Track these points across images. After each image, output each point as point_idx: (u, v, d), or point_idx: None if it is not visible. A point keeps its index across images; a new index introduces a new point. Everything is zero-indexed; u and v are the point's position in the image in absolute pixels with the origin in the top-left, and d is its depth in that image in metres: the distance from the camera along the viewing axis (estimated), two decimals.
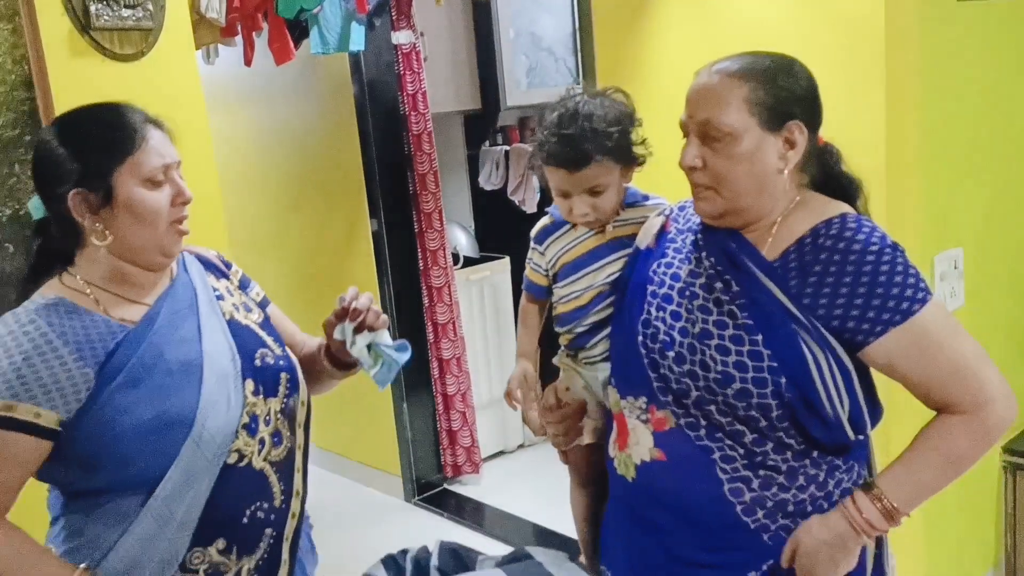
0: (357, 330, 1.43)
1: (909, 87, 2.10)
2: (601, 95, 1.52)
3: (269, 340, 1.47)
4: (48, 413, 1.24)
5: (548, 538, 3.26)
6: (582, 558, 1.70)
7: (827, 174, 1.36)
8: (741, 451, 1.29)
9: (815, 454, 1.29)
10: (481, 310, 3.96)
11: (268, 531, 1.38)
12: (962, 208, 2.39)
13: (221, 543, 1.34)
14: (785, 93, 1.26)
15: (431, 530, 3.47)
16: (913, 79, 2.11)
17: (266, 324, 1.51)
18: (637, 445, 1.37)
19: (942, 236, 2.34)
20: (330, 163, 3.60)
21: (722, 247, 1.33)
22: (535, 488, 3.64)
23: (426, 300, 3.63)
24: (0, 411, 1.22)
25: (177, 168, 1.36)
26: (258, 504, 1.37)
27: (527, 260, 1.63)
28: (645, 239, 1.48)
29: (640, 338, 1.36)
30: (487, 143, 4.10)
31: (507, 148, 3.99)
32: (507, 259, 3.99)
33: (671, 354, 1.31)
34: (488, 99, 3.92)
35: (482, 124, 4.13)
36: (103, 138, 1.30)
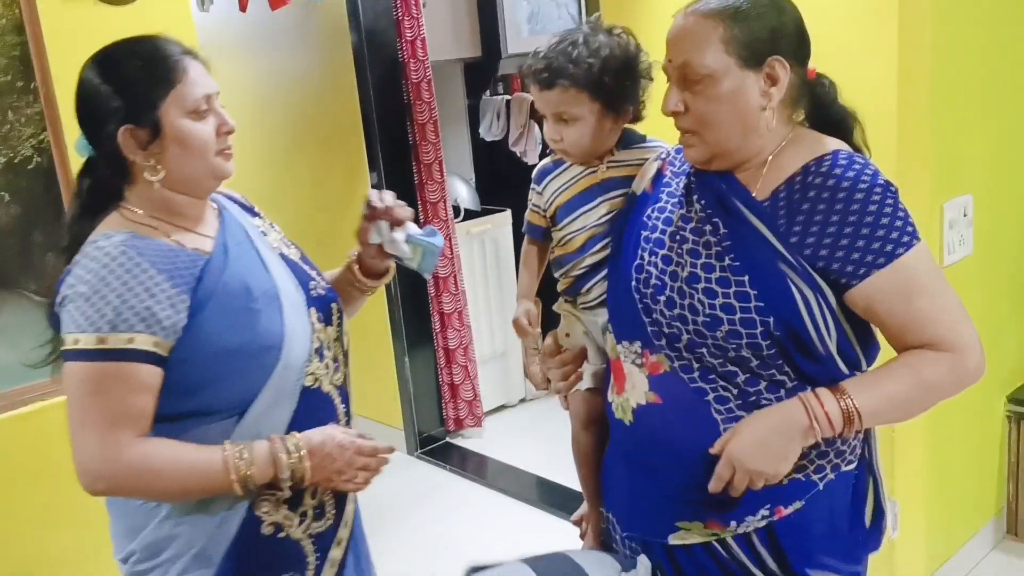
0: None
1: (921, 30, 2.05)
2: (606, 32, 1.48)
3: (314, 272, 1.52)
4: (162, 341, 1.27)
5: (550, 490, 3.27)
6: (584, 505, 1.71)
7: (821, 108, 1.33)
8: (735, 392, 1.28)
9: (808, 389, 1.28)
10: (483, 264, 3.93)
11: None
12: (972, 155, 2.36)
13: None
14: (762, 29, 1.23)
15: (434, 483, 3.49)
16: (926, 21, 2.06)
17: (305, 259, 1.55)
18: (633, 389, 1.37)
19: (952, 182, 2.30)
20: (327, 113, 3.54)
21: (712, 189, 1.32)
22: (537, 441, 3.64)
23: None
24: (124, 344, 1.24)
25: (217, 98, 1.36)
26: (330, 423, 1.43)
27: (529, 204, 1.62)
28: (641, 184, 1.47)
29: (633, 283, 1.36)
30: (488, 92, 4.03)
31: (508, 97, 3.92)
32: (508, 212, 3.94)
33: (662, 298, 1.31)
34: (488, 47, 3.85)
35: (483, 73, 4.05)
36: (145, 72, 1.30)
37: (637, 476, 1.41)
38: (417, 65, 3.41)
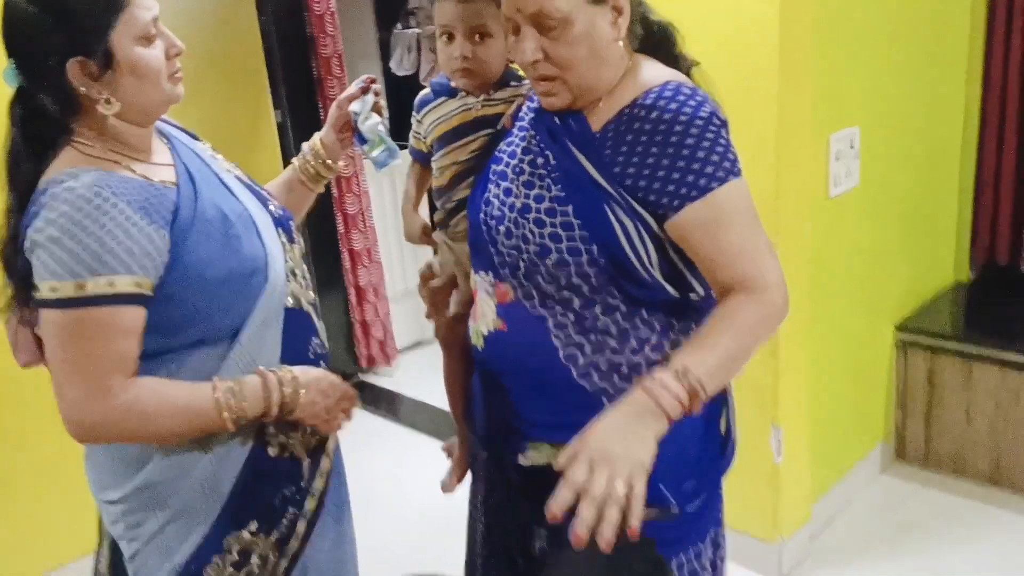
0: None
1: None
2: None
3: (265, 192, 1.50)
4: (144, 280, 1.23)
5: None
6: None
7: (643, 25, 1.34)
8: (572, 317, 1.31)
9: (644, 313, 1.31)
10: (393, 201, 3.89)
11: (322, 365, 1.46)
12: (858, 87, 2.38)
13: None
14: None
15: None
16: None
17: (252, 181, 1.51)
18: (484, 317, 1.41)
19: (838, 115, 2.33)
20: (227, 49, 3.41)
21: (545, 122, 1.33)
22: None
23: (335, 191, 3.54)
24: (104, 288, 1.20)
25: (158, 19, 1.30)
26: (315, 340, 1.45)
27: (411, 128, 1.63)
28: (503, 120, 1.48)
29: (482, 215, 1.38)
30: (399, 26, 3.93)
31: (419, 31, 3.84)
32: None
33: (503, 228, 1.33)
34: None
35: (393, 5, 3.95)
36: None
37: (491, 399, 1.45)
38: None
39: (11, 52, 1.25)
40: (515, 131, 1.42)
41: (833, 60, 2.25)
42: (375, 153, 1.55)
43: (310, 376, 1.37)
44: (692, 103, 1.23)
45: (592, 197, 1.25)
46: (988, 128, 2.84)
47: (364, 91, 1.54)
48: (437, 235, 1.63)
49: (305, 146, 1.62)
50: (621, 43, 1.28)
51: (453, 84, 1.52)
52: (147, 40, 1.26)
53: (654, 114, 1.23)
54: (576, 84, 1.27)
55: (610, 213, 1.25)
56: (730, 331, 1.24)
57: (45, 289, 1.20)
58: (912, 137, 2.66)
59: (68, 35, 1.21)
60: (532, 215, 1.29)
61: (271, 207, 1.46)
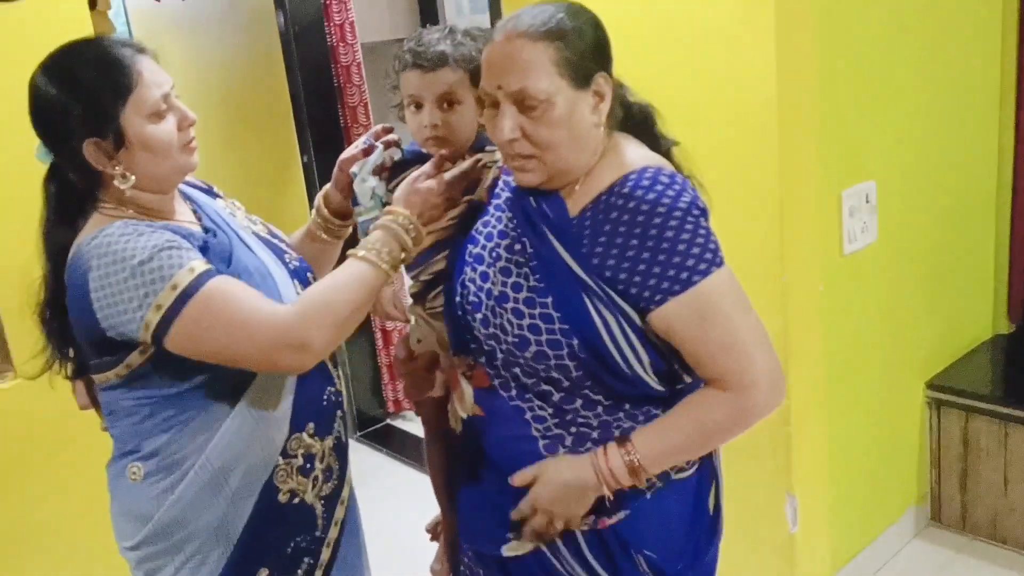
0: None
1: (804, 15, 1.98)
2: (465, 30, 1.48)
3: (284, 245, 1.54)
4: (208, 261, 1.29)
5: None
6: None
7: (624, 109, 1.32)
8: (551, 410, 1.29)
9: (627, 407, 1.28)
10: None
11: (338, 413, 1.50)
12: (873, 140, 2.29)
13: (311, 427, 1.43)
14: (586, 46, 1.22)
15: (372, 466, 3.50)
16: (806, 11, 1.98)
17: (273, 233, 1.56)
18: (462, 400, 1.38)
19: (850, 169, 2.24)
20: (257, 98, 3.51)
21: (522, 207, 1.30)
22: None
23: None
24: (189, 276, 1.24)
25: (173, 91, 1.36)
26: (330, 388, 1.48)
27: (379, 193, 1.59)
28: (479, 192, 1.45)
29: (458, 299, 1.36)
30: None
31: None
32: None
33: (479, 316, 1.31)
34: (427, 26, 3.79)
35: None
36: (100, 81, 1.29)
37: (469, 487, 1.43)
38: (347, 49, 3.37)
39: (38, 131, 1.34)
40: (491, 209, 1.39)
41: (843, 113, 2.17)
42: (362, 218, 1.52)
43: (405, 197, 1.39)
44: (671, 192, 1.20)
45: (572, 289, 1.22)
46: (1022, 176, 2.70)
47: (367, 152, 1.51)
48: (413, 309, 1.59)
49: (317, 199, 1.63)
50: (602, 128, 1.26)
51: (425, 151, 1.50)
52: (157, 116, 1.32)
53: (632, 203, 1.21)
54: (552, 164, 1.24)
55: (591, 306, 1.22)
56: (692, 424, 1.24)
57: (153, 313, 1.24)
58: (936, 188, 2.54)
59: (83, 117, 1.28)
60: (510, 304, 1.26)
61: (287, 259, 1.49)
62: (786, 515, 2.27)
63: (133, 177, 1.32)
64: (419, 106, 1.45)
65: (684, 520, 1.34)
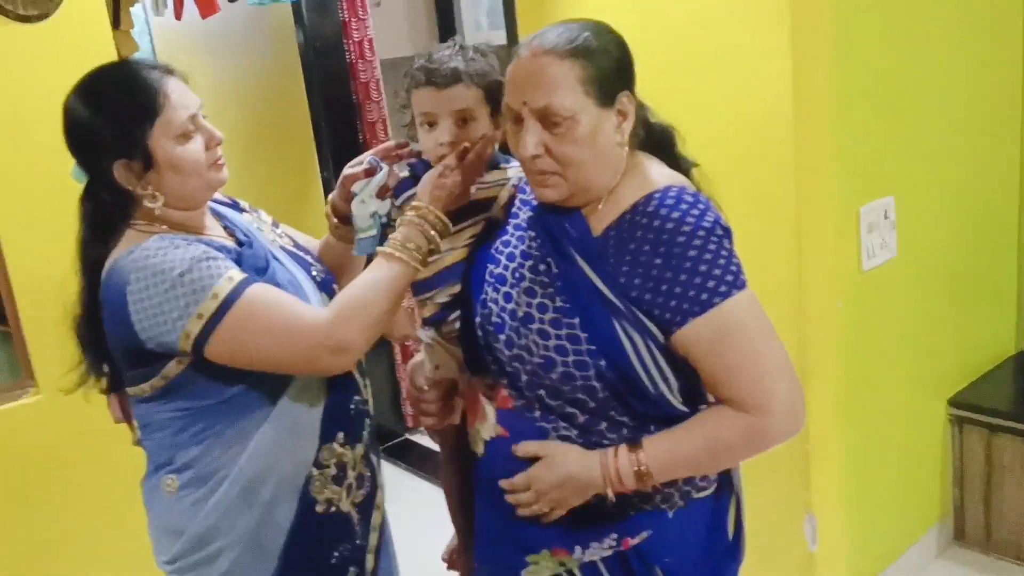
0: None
1: (818, 32, 1.97)
2: (475, 46, 1.47)
3: (310, 257, 1.56)
4: (243, 271, 1.32)
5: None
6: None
7: (645, 129, 1.32)
8: (576, 431, 1.28)
9: (651, 428, 1.27)
10: None
11: (366, 421, 1.52)
12: (891, 155, 2.27)
13: (341, 436, 1.45)
14: (611, 65, 1.23)
15: (390, 481, 3.48)
16: (823, 23, 1.98)
17: (299, 246, 1.58)
18: (485, 422, 1.37)
19: (868, 185, 2.23)
20: (277, 114, 3.55)
21: (545, 226, 1.30)
22: None
23: None
24: (228, 285, 1.27)
25: (200, 111, 1.38)
26: (356, 398, 1.49)
27: (382, 214, 1.53)
28: (495, 210, 1.45)
29: (478, 319, 1.35)
30: None
31: None
32: None
33: (503, 337, 1.30)
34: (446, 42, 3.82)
35: None
36: (129, 104, 1.32)
37: (489, 510, 1.41)
38: (365, 65, 3.41)
39: (72, 152, 1.37)
40: (510, 228, 1.39)
41: (860, 128, 2.16)
42: (360, 237, 1.50)
43: (423, 191, 1.39)
44: (695, 211, 1.20)
45: (599, 309, 1.22)
46: None
47: (369, 173, 1.49)
48: (425, 333, 1.55)
49: (326, 208, 1.62)
50: (624, 147, 1.26)
51: None
52: (185, 137, 1.35)
53: (656, 222, 1.20)
54: (575, 181, 1.24)
55: (618, 326, 1.21)
56: (703, 439, 1.23)
57: (195, 323, 1.27)
58: (957, 203, 2.52)
59: (111, 140, 1.32)
60: (535, 325, 1.26)
61: (314, 272, 1.50)
62: (805, 534, 2.25)
63: (162, 198, 1.36)
64: (432, 124, 1.44)
65: (703, 539, 1.33)
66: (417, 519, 3.21)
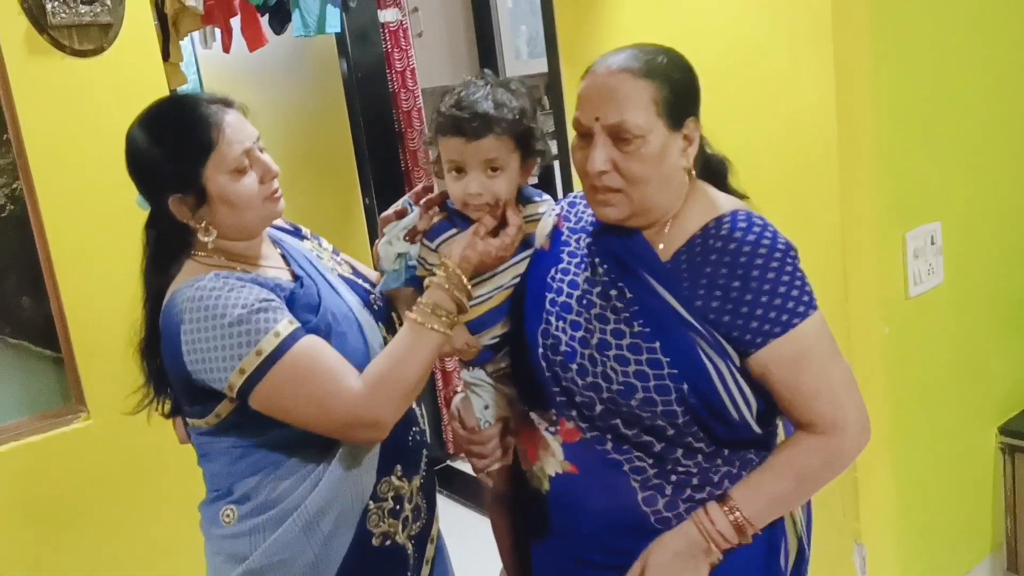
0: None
1: (860, 56, 1.97)
2: (505, 83, 1.44)
3: (368, 286, 1.56)
4: (294, 319, 1.32)
5: None
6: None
7: (702, 157, 1.33)
8: (650, 461, 1.27)
9: (725, 453, 1.28)
10: None
11: (424, 452, 1.52)
12: (937, 180, 2.25)
13: (399, 468, 1.45)
14: (683, 90, 1.24)
15: None
16: (865, 47, 1.97)
17: (357, 273, 1.59)
18: (550, 457, 1.35)
19: (914, 211, 2.20)
20: (321, 143, 3.61)
21: (613, 252, 1.30)
22: None
23: None
24: (274, 341, 1.27)
25: (258, 144, 1.38)
26: (414, 428, 1.50)
27: (410, 256, 1.50)
28: (539, 239, 1.44)
29: (540, 350, 1.33)
30: None
31: None
32: None
33: (574, 366, 1.29)
34: (487, 71, 3.86)
35: None
36: (185, 139, 1.34)
37: (557, 547, 1.39)
38: (407, 95, 3.46)
39: (135, 184, 1.40)
40: (564, 256, 1.38)
41: (905, 153, 2.14)
42: (386, 274, 1.52)
43: (454, 254, 1.38)
44: (768, 234, 1.22)
45: (680, 333, 1.22)
46: None
47: (400, 215, 1.50)
48: (471, 374, 1.50)
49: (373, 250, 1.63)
50: (689, 172, 1.28)
51: (466, 213, 1.44)
52: (239, 172, 1.35)
53: (732, 245, 1.21)
54: (639, 201, 1.25)
55: (700, 350, 1.21)
56: (788, 472, 1.24)
57: (236, 378, 1.27)
58: (1005, 227, 2.48)
59: (166, 174, 1.34)
60: (612, 352, 1.25)
61: (372, 300, 1.51)
62: (855, 564, 2.21)
63: (215, 232, 1.37)
64: (460, 171, 1.40)
65: (761, 570, 1.31)
66: (459, 548, 3.18)
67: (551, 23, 2.49)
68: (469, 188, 1.39)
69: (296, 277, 1.44)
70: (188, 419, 1.43)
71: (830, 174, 1.98)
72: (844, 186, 1.97)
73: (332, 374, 1.30)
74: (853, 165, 1.99)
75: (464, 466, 3.77)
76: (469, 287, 1.38)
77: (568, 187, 2.56)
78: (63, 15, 2.23)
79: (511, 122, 1.37)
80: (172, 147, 1.34)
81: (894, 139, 2.09)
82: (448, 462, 3.81)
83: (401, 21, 3.40)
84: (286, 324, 1.29)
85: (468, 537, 3.28)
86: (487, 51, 3.80)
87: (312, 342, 1.31)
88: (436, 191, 1.52)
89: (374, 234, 3.49)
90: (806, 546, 1.40)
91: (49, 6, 2.20)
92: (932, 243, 2.25)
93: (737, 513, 1.22)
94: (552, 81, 2.63)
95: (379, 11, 3.37)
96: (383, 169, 3.52)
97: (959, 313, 2.37)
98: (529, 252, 1.45)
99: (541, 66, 3.66)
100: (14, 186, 2.26)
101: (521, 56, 3.82)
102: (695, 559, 1.24)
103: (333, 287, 1.46)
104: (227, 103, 1.37)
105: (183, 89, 2.89)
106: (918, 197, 2.21)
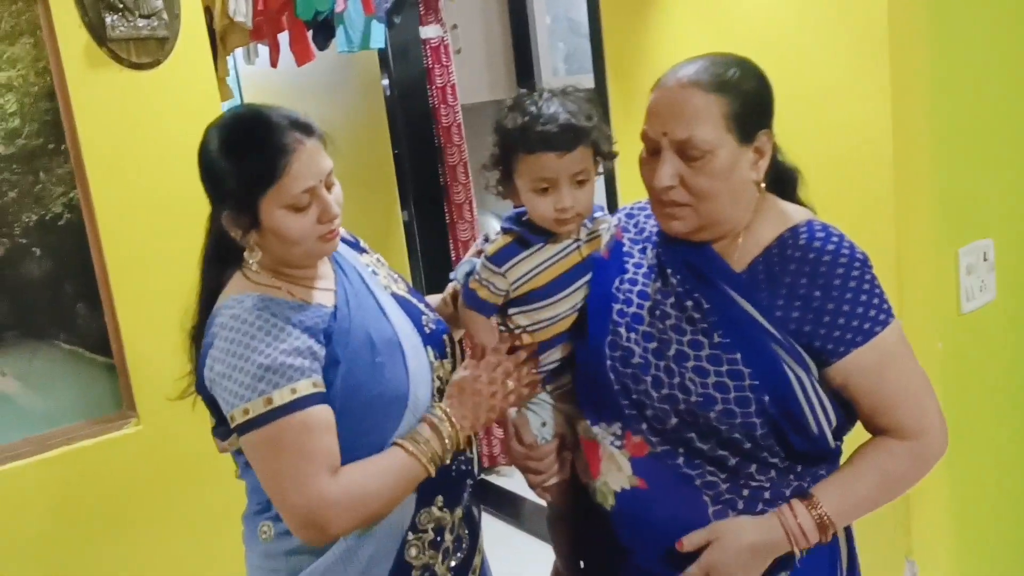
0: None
1: (917, 69, 1.97)
2: (565, 92, 1.41)
3: (422, 305, 1.52)
4: (319, 379, 1.30)
5: None
6: None
7: (774, 167, 1.32)
8: (723, 475, 1.26)
9: (799, 468, 1.27)
10: None
11: (468, 482, 1.48)
12: (990, 196, 2.24)
13: (440, 500, 1.42)
14: (754, 103, 1.23)
15: None
16: (921, 61, 1.98)
17: (412, 291, 1.56)
18: (617, 472, 1.33)
19: (967, 227, 2.20)
20: (362, 157, 3.64)
21: (687, 262, 1.29)
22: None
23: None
24: (289, 396, 1.26)
25: (327, 179, 1.33)
26: (460, 457, 1.45)
27: (478, 278, 1.45)
28: (602, 249, 1.44)
29: (609, 362, 1.31)
30: None
31: None
32: None
33: (648, 378, 1.27)
34: (524, 88, 3.89)
35: None
36: (251, 161, 1.29)
37: (622, 563, 1.36)
38: (447, 110, 3.49)
39: (205, 189, 1.38)
40: (630, 267, 1.36)
41: (959, 170, 2.14)
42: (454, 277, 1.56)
43: (451, 391, 1.39)
44: (845, 243, 1.22)
45: (762, 343, 1.21)
46: None
47: (480, 254, 1.48)
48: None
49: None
50: (759, 185, 1.26)
51: (553, 231, 1.41)
52: (296, 208, 1.29)
53: (812, 254, 1.21)
54: (706, 215, 1.24)
55: (783, 363, 1.20)
56: (874, 475, 1.24)
57: (239, 415, 1.27)
58: None
59: (226, 190, 1.32)
60: (691, 363, 1.23)
61: (423, 322, 1.46)
62: None
63: (260, 254, 1.35)
64: (549, 186, 1.35)
65: None
66: (497, 563, 3.19)
67: (598, 38, 2.51)
68: (562, 203, 1.35)
69: (336, 309, 1.39)
70: (215, 437, 1.44)
71: (885, 188, 1.98)
72: (899, 200, 1.97)
73: (311, 462, 1.27)
74: (908, 179, 1.99)
75: (499, 480, 3.77)
76: (456, 431, 1.38)
77: (613, 200, 2.56)
78: (122, 29, 2.27)
79: (592, 133, 1.36)
80: (237, 166, 1.30)
81: (949, 154, 2.09)
82: (483, 475, 3.80)
83: (442, 37, 3.43)
84: (307, 384, 1.27)
85: (505, 552, 3.27)
86: (525, 68, 3.83)
87: (315, 418, 1.28)
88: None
89: (413, 250, 3.54)
90: (856, 558, 1.39)
91: (108, 20, 2.24)
92: (985, 259, 2.24)
93: (821, 509, 1.21)
94: (599, 96, 2.65)
95: (420, 27, 3.41)
96: (422, 184, 3.55)
97: (1012, 329, 2.36)
98: (588, 279, 1.42)
99: (582, 83, 3.70)
100: (71, 195, 2.29)
101: (559, 73, 3.85)
102: (769, 555, 1.23)
103: (382, 308, 1.42)
104: (308, 131, 1.32)
105: (229, 104, 2.93)
106: (971, 213, 2.20)
